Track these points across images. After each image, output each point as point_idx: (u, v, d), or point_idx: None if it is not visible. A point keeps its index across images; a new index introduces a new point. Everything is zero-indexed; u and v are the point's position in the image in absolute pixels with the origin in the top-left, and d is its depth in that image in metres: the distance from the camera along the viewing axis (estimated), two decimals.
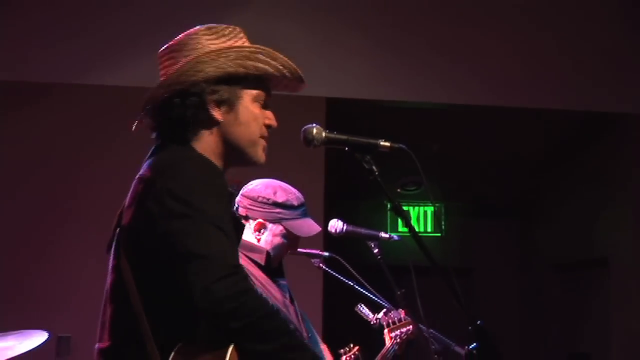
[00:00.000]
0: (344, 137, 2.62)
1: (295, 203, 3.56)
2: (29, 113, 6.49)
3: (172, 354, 2.20)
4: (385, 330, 3.96)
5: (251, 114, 2.48)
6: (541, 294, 8.72)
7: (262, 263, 3.49)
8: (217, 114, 2.43)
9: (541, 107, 7.14)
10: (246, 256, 3.45)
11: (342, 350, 3.92)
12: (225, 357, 2.19)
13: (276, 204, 3.54)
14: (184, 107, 2.40)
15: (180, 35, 2.50)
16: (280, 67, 2.49)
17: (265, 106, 2.52)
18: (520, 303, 8.64)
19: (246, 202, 3.54)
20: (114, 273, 2.38)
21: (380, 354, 3.99)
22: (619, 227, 7.59)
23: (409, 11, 6.88)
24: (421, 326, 3.67)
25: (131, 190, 2.38)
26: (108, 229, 2.44)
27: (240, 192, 3.56)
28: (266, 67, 2.46)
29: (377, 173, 2.58)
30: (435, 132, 7.39)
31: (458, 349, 3.67)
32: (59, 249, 6.25)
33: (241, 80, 2.45)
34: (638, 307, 7.23)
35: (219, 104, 2.43)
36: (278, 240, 3.54)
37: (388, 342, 3.95)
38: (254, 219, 3.53)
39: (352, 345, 3.92)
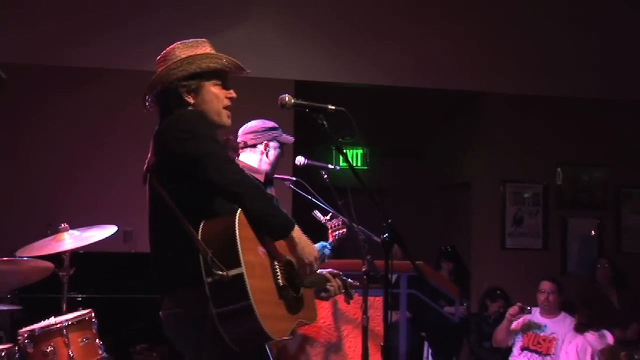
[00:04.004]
0: (305, 102, 2.65)
1: (277, 126, 3.67)
2: (84, 91, 6.37)
3: (201, 226, 2.25)
4: (329, 232, 4.02)
5: (212, 94, 2.46)
6: (429, 205, 8.76)
7: (262, 181, 3.54)
8: (189, 98, 2.44)
9: (432, 87, 7.18)
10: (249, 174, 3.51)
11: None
12: (235, 214, 2.22)
13: (269, 129, 3.63)
14: (167, 97, 2.44)
15: (166, 49, 2.53)
16: (225, 62, 2.48)
17: (225, 87, 2.49)
18: (416, 212, 8.63)
19: (250, 135, 3.59)
20: (150, 200, 2.43)
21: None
22: (478, 162, 7.68)
23: (360, 16, 6.87)
24: (354, 224, 3.70)
25: (151, 145, 2.44)
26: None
27: (242, 132, 3.63)
28: (215, 64, 2.47)
29: (326, 126, 2.62)
30: (368, 102, 7.36)
31: (376, 238, 3.70)
32: (122, 166, 6.16)
33: (202, 75, 2.44)
34: (488, 215, 7.40)
35: (189, 92, 2.43)
36: (277, 151, 3.62)
37: (330, 239, 4.02)
38: (261, 143, 3.59)
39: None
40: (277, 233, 2.32)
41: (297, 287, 2.43)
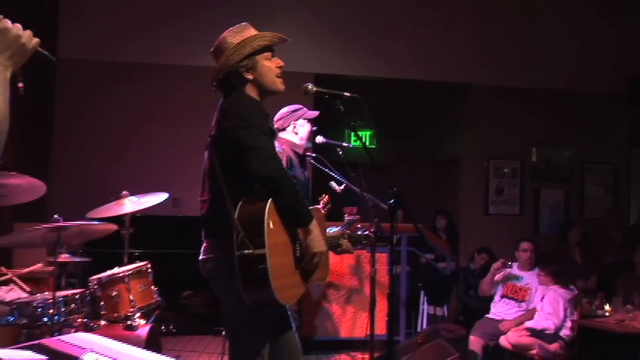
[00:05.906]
0: (325, 90, 2.61)
1: (301, 107, 3.60)
2: (138, 81, 6.37)
3: (240, 202, 2.23)
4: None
5: (266, 68, 2.42)
6: (424, 180, 8.71)
7: (301, 153, 3.55)
8: (248, 75, 2.41)
9: (428, 79, 7.10)
10: (292, 149, 3.48)
11: (319, 198, 3.94)
12: (267, 203, 2.21)
13: (293, 111, 3.59)
14: (230, 79, 2.40)
15: (218, 39, 2.48)
16: (272, 38, 2.44)
17: (273, 57, 2.45)
18: (413, 184, 8.55)
19: (280, 121, 3.54)
20: (208, 161, 2.39)
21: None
22: (465, 142, 7.58)
23: (369, 20, 6.75)
24: (364, 193, 3.61)
25: (215, 116, 2.40)
26: (204, 134, 2.45)
27: (274, 120, 3.56)
28: (264, 42, 2.43)
29: (342, 110, 2.58)
30: (375, 92, 7.27)
31: (383, 205, 3.58)
32: (175, 144, 6.21)
33: (255, 53, 2.40)
34: (474, 187, 7.34)
35: (247, 70, 2.40)
36: (306, 126, 3.58)
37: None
38: (289, 125, 3.54)
39: (323, 195, 3.91)
40: (298, 224, 2.31)
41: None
